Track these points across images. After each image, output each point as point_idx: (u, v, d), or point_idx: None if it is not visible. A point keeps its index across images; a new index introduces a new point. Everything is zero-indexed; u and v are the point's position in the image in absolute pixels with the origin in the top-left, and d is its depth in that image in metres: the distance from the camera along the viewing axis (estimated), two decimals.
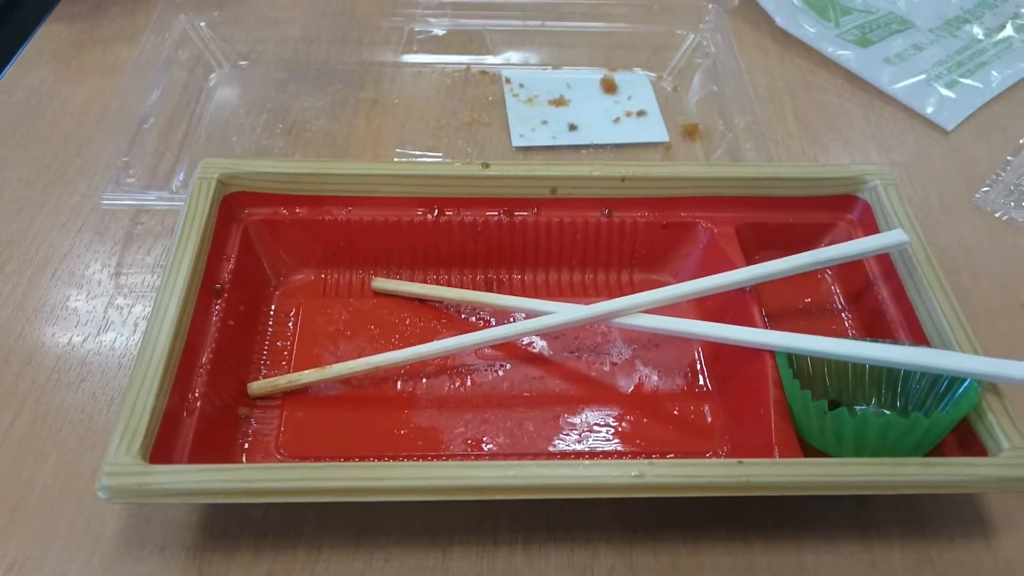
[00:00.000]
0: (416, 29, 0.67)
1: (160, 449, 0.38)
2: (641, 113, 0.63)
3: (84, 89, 0.64)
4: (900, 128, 0.64)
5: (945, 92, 0.66)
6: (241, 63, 0.66)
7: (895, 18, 0.73)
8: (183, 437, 0.40)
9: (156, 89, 0.60)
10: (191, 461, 0.39)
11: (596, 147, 0.60)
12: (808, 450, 0.41)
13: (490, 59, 0.67)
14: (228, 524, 0.41)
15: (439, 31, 0.67)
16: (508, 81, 0.65)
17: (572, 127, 0.61)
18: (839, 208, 0.51)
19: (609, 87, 0.64)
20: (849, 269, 0.50)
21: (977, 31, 0.72)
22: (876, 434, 0.39)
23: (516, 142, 0.60)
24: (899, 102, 0.65)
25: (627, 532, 0.41)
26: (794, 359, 0.43)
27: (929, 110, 0.64)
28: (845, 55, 0.68)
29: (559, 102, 0.63)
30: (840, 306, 0.50)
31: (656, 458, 0.42)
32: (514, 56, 0.67)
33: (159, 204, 0.53)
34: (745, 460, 0.38)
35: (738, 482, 0.37)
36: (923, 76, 0.67)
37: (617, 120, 0.62)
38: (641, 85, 0.65)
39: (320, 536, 0.41)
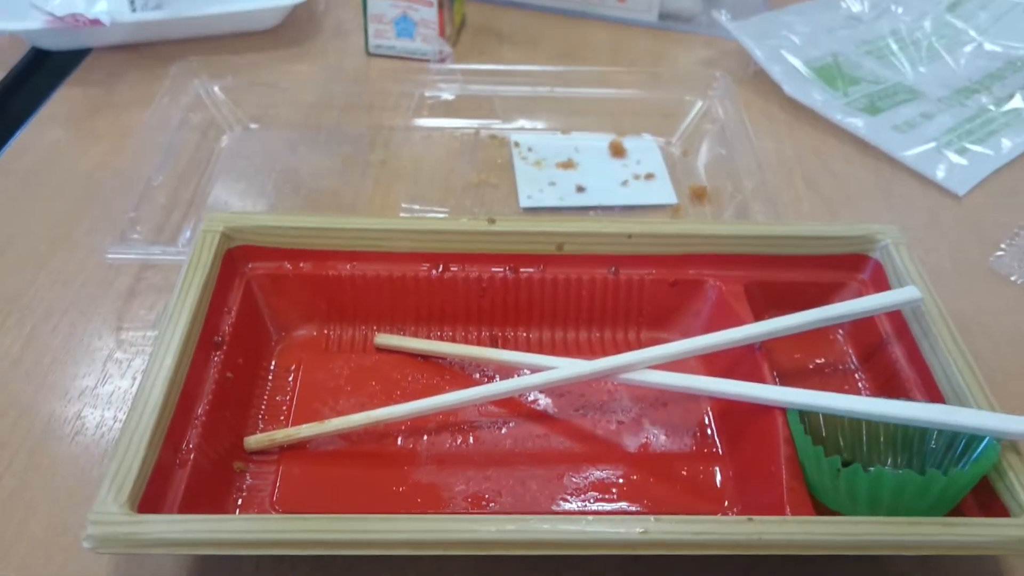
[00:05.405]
0: (427, 94, 0.68)
1: (149, 499, 0.37)
2: (649, 176, 0.62)
3: (95, 152, 0.64)
4: (911, 193, 0.63)
5: (956, 159, 0.66)
6: (252, 126, 0.66)
7: (903, 88, 0.73)
8: (174, 489, 0.39)
9: (167, 149, 0.61)
10: (182, 513, 0.38)
11: (604, 209, 0.60)
12: (821, 510, 0.39)
13: (499, 123, 0.67)
14: None
15: (449, 96, 0.68)
16: (517, 145, 0.65)
17: (580, 189, 0.61)
18: (850, 267, 0.50)
19: (617, 151, 0.64)
20: (861, 328, 0.49)
21: (986, 100, 0.72)
22: (891, 492, 0.38)
23: (524, 203, 0.60)
24: (909, 168, 0.65)
25: None
26: (806, 417, 0.41)
27: (940, 176, 0.64)
28: (854, 123, 0.68)
29: (567, 165, 0.63)
30: (853, 366, 0.49)
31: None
32: (523, 121, 0.67)
33: (164, 259, 0.52)
34: (756, 517, 0.36)
35: (748, 540, 0.35)
36: (933, 143, 0.67)
37: (625, 183, 0.62)
38: (649, 149, 0.65)
39: None
